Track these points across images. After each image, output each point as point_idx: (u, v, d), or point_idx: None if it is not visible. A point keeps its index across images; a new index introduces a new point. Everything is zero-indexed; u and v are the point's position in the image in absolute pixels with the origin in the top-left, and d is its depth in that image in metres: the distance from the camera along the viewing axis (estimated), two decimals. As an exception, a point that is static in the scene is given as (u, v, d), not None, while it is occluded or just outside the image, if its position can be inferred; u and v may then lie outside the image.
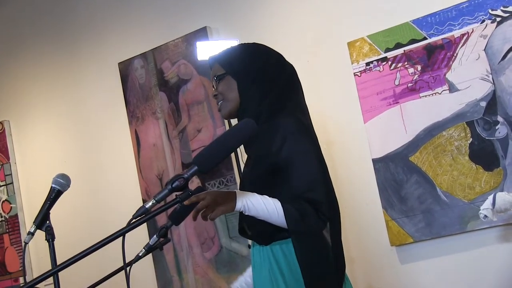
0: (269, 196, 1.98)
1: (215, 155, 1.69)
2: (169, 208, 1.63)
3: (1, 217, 4.76)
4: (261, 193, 2.00)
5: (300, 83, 2.24)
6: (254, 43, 2.28)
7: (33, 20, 4.85)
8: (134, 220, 1.57)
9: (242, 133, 1.74)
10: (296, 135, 2.01)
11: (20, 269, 4.62)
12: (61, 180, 2.09)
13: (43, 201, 2.08)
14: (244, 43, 2.29)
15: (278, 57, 2.24)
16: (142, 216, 1.59)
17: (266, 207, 1.93)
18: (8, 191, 4.75)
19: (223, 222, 3.92)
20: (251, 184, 2.08)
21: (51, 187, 2.09)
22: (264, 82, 2.13)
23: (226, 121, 3.85)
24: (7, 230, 4.72)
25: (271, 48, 2.26)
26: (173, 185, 1.62)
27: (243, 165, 3.58)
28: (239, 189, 2.19)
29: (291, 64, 2.25)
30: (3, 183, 4.77)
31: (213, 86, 2.24)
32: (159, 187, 4.17)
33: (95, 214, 4.47)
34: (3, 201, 4.76)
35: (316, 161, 2.03)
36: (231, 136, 1.75)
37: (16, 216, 4.69)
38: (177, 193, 1.66)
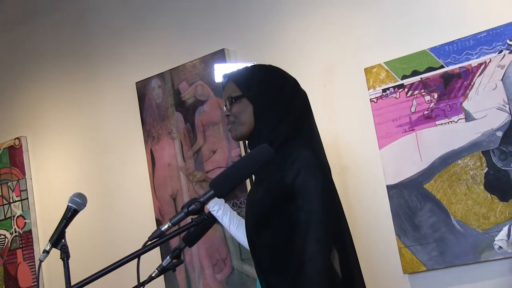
0: (275, 223, 2.00)
1: (231, 180, 1.70)
2: (184, 231, 1.65)
3: (15, 232, 4.78)
4: (267, 218, 2.02)
5: (311, 108, 2.24)
6: (270, 65, 2.26)
7: (52, 38, 4.90)
8: (149, 243, 1.58)
9: (259, 159, 1.74)
10: (311, 169, 2.00)
11: (32, 285, 4.63)
12: (78, 200, 2.10)
13: (59, 219, 2.09)
14: (261, 65, 2.28)
15: (294, 82, 2.23)
16: (157, 239, 1.60)
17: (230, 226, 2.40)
18: (23, 207, 4.78)
19: (236, 244, 3.92)
20: (260, 208, 2.08)
21: (68, 206, 2.09)
22: (280, 108, 2.12)
23: (241, 143, 3.87)
24: (21, 246, 4.74)
25: (286, 72, 2.25)
26: (189, 209, 1.63)
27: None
28: (245, 211, 2.20)
29: (304, 90, 2.25)
30: (18, 198, 4.81)
31: (225, 105, 2.22)
32: (172, 207, 4.19)
33: (109, 232, 4.48)
34: (18, 216, 4.79)
35: (322, 200, 1.99)
36: (247, 162, 1.76)
37: (30, 231, 4.72)
38: (193, 216, 1.67)
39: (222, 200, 2.39)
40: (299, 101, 2.19)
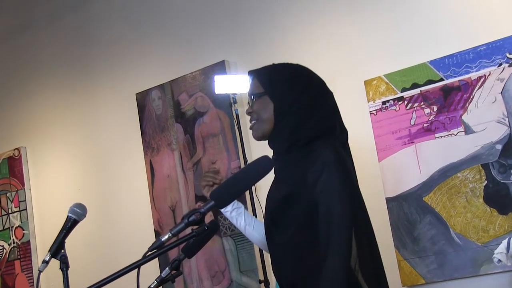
0: (296, 222, 1.99)
1: (232, 191, 1.70)
2: (184, 242, 1.64)
3: (14, 243, 4.77)
4: (288, 217, 2.01)
5: (338, 110, 2.19)
6: (297, 64, 2.22)
7: (52, 49, 4.91)
8: (149, 253, 1.58)
9: (259, 171, 1.74)
10: (332, 168, 1.96)
11: (30, 296, 4.62)
12: (78, 210, 2.09)
13: (59, 230, 2.08)
14: (287, 63, 2.22)
15: (320, 82, 2.18)
16: (157, 249, 1.60)
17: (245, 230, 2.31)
18: (22, 217, 4.77)
19: (235, 256, 3.91)
20: (281, 207, 2.06)
21: (68, 216, 2.09)
22: (302, 108, 2.07)
23: (241, 155, 3.87)
24: (19, 257, 4.73)
25: (313, 72, 2.20)
26: (190, 219, 1.63)
27: (256, 197, 3.59)
28: (265, 208, 2.18)
29: (331, 91, 2.19)
30: (17, 209, 4.80)
31: (248, 103, 2.20)
32: (171, 218, 4.18)
33: (107, 243, 4.47)
34: (16, 227, 4.78)
35: (344, 201, 1.97)
36: (248, 173, 1.75)
37: (28, 242, 4.71)
38: (193, 227, 1.67)
39: (235, 201, 2.31)
40: (325, 101, 2.14)
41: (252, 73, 2.22)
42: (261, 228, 2.29)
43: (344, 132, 2.16)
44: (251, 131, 2.20)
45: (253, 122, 2.16)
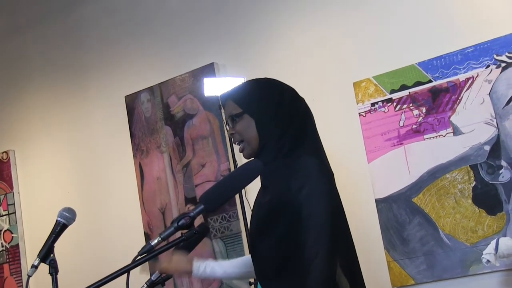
0: (281, 227, 2.00)
1: (222, 195, 1.70)
2: (174, 246, 1.64)
3: (2, 246, 4.75)
4: (273, 223, 2.02)
5: (311, 113, 2.23)
6: (266, 78, 2.25)
7: (42, 52, 4.90)
8: (139, 257, 1.58)
9: (249, 175, 1.74)
10: (317, 176, 2.00)
11: (19, 299, 4.60)
12: (67, 214, 2.08)
13: (47, 234, 2.07)
14: (257, 79, 2.26)
15: (292, 91, 2.22)
16: (147, 253, 1.60)
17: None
18: (10, 221, 4.75)
19: (225, 258, 3.91)
20: (266, 213, 2.07)
21: (57, 220, 2.08)
22: (282, 119, 2.11)
23: (230, 157, 3.87)
24: (7, 260, 4.71)
25: (283, 82, 2.23)
26: (179, 223, 1.63)
27: (246, 199, 3.60)
28: (251, 215, 2.19)
29: (302, 97, 2.23)
30: (6, 212, 4.77)
31: (227, 124, 2.22)
32: (161, 220, 4.17)
33: (97, 246, 4.46)
34: (5, 231, 4.76)
35: (329, 207, 2.01)
36: (238, 177, 1.76)
37: (17, 246, 4.69)
38: (182, 231, 1.67)
39: (198, 263, 2.30)
40: (300, 108, 2.19)
41: (224, 96, 2.24)
42: (235, 263, 2.35)
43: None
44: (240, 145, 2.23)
45: (241, 145, 2.17)
